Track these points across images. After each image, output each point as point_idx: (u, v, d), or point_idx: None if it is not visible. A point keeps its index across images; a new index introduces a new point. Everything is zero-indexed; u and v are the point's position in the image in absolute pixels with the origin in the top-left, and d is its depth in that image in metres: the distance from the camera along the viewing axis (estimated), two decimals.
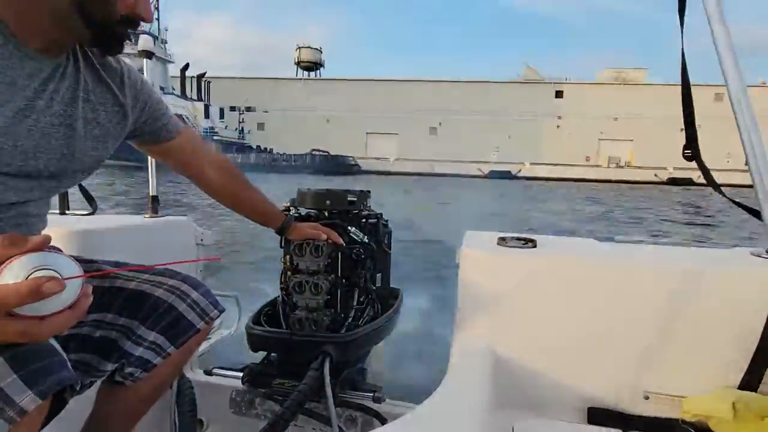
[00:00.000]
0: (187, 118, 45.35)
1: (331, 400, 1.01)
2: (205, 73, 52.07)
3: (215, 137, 46.95)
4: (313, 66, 69.84)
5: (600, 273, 0.91)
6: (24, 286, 0.38)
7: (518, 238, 1.02)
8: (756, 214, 0.87)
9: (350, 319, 1.20)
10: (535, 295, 0.93)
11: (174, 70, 51.16)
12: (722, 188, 0.98)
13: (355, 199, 1.27)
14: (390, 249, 1.35)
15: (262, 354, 1.24)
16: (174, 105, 45.32)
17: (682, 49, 1.05)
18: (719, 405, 0.73)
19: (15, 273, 0.38)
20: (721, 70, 0.92)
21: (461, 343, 0.94)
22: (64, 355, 0.53)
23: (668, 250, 1.02)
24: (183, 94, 48.87)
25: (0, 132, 0.61)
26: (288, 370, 1.17)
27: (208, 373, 1.34)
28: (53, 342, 0.53)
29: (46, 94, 0.66)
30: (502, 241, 1.02)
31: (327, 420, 1.05)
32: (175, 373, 0.99)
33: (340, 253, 1.20)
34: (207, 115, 48.09)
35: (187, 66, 50.61)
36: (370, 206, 1.33)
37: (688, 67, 0.99)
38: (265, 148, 50.95)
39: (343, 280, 1.22)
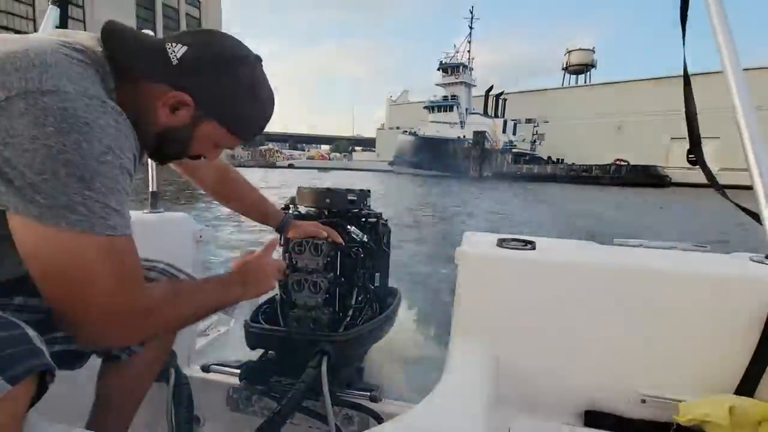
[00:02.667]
0: (488, 134, 47.48)
1: (328, 399, 1.01)
2: (502, 92, 54.96)
3: (514, 150, 48.06)
4: (583, 68, 68.56)
5: (598, 276, 0.91)
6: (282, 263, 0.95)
7: (517, 240, 1.02)
8: (757, 218, 0.88)
9: (348, 318, 1.20)
10: (533, 297, 0.93)
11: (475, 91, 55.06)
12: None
13: (355, 198, 1.27)
14: (389, 249, 1.35)
15: (259, 351, 1.24)
16: (479, 123, 48.38)
17: (684, 55, 1.05)
18: (715, 410, 0.73)
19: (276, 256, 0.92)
20: (726, 80, 0.92)
21: (459, 344, 0.94)
22: (39, 343, 0.54)
23: (667, 253, 1.02)
24: (485, 113, 51.36)
25: None
26: (285, 368, 1.17)
27: (206, 369, 1.34)
28: (28, 330, 0.54)
29: None
30: (501, 242, 1.02)
31: (324, 418, 1.05)
32: (169, 348, 1.03)
33: (339, 252, 1.20)
34: (504, 130, 49.47)
35: (491, 88, 54.11)
36: (369, 206, 1.32)
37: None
38: (557, 159, 50.04)
39: (342, 279, 1.22)
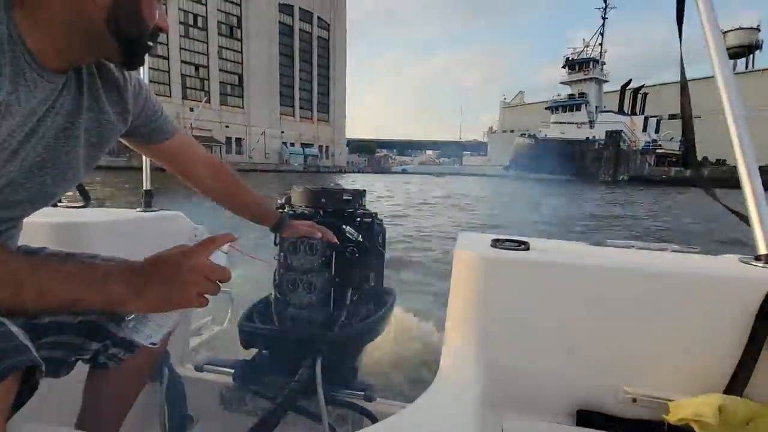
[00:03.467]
0: (624, 133, 42.69)
1: (322, 398, 1.01)
2: (642, 86, 49.79)
3: (658, 150, 42.62)
4: (744, 51, 58.34)
5: (591, 276, 0.92)
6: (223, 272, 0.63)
7: (511, 240, 1.03)
8: (746, 219, 0.89)
9: (343, 318, 1.20)
10: (526, 297, 0.94)
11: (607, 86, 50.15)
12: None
13: (350, 198, 1.27)
14: (384, 248, 1.35)
15: (253, 351, 1.24)
16: (613, 122, 43.21)
17: (681, 57, 1.06)
18: (705, 409, 0.74)
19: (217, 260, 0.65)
20: (716, 86, 0.93)
21: (452, 343, 0.95)
22: (24, 339, 0.53)
23: (658, 255, 1.04)
24: (620, 110, 46.81)
25: (10, 156, 0.60)
26: (279, 367, 1.16)
27: (199, 369, 1.34)
28: (12, 327, 0.53)
29: (53, 111, 0.66)
30: (495, 242, 1.02)
31: (317, 418, 1.05)
32: (155, 353, 0.99)
33: (334, 252, 1.20)
34: (645, 128, 44.89)
35: (628, 82, 49.38)
36: (365, 206, 1.33)
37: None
38: (717, 161, 41.53)
39: (337, 279, 1.22)
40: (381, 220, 1.34)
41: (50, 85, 0.63)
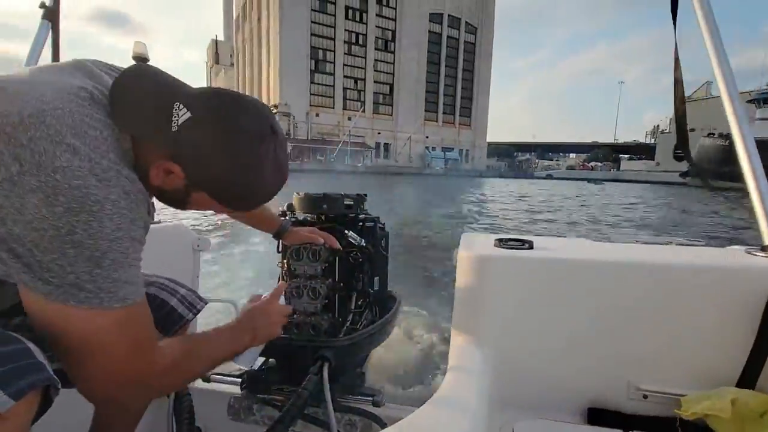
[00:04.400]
0: None
1: (330, 405, 1.00)
2: None
3: None
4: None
5: (597, 272, 0.91)
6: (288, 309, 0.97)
7: (515, 240, 1.02)
8: (750, 212, 0.89)
9: (348, 324, 1.20)
10: (533, 296, 0.94)
11: None
12: None
13: (352, 203, 1.27)
14: (387, 253, 1.35)
15: (260, 360, 1.23)
16: None
17: (676, 50, 1.06)
18: (717, 403, 0.74)
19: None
20: (713, 76, 0.93)
21: (460, 345, 0.94)
22: (41, 357, 0.54)
23: (664, 249, 1.03)
24: None
25: None
26: (286, 375, 1.16)
27: (206, 379, 1.33)
28: (29, 344, 0.54)
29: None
30: (499, 242, 1.02)
31: (326, 425, 1.05)
32: None
33: (337, 258, 1.20)
34: None
35: None
36: (366, 210, 1.32)
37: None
38: None
39: (341, 285, 1.21)
40: (383, 224, 1.33)
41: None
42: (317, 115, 64.10)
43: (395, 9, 70.67)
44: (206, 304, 1.06)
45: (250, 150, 0.63)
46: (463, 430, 0.61)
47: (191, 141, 0.61)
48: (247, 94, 0.69)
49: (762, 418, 0.72)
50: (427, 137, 76.00)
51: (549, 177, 72.42)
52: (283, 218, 1.25)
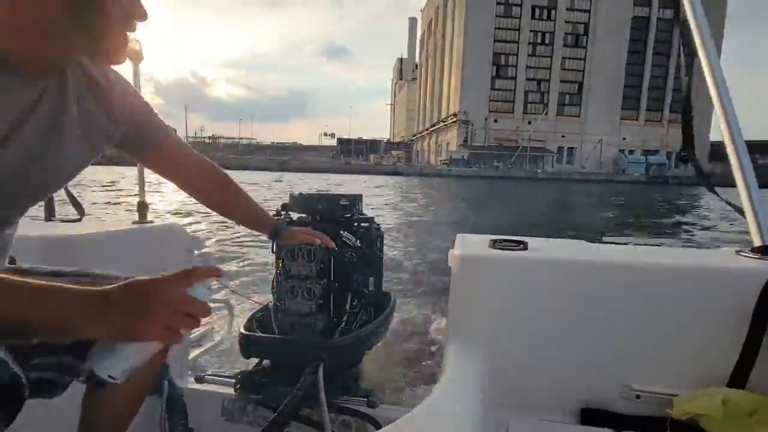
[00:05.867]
0: None
1: (324, 406, 1.00)
2: None
3: None
4: None
5: (590, 273, 0.92)
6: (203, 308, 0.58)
7: (509, 240, 1.03)
8: (742, 212, 0.90)
9: (343, 324, 1.20)
10: (527, 297, 0.94)
11: None
12: None
13: (348, 203, 1.27)
14: (382, 253, 1.35)
15: (254, 360, 1.23)
16: None
17: (680, 48, 1.05)
18: (709, 403, 0.74)
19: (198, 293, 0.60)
20: (709, 89, 0.94)
21: (455, 345, 0.94)
22: (2, 355, 0.52)
23: (656, 250, 1.04)
24: None
25: None
26: (281, 376, 1.15)
27: (200, 380, 1.32)
28: None
29: (34, 115, 0.65)
30: (493, 243, 1.02)
31: (321, 426, 1.05)
32: (155, 370, 0.97)
33: (332, 258, 1.20)
34: None
35: None
36: (362, 210, 1.32)
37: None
38: None
39: (336, 285, 1.21)
40: (378, 225, 1.34)
41: (28, 89, 0.62)
42: (495, 120, 61.56)
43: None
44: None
45: None
46: (458, 431, 0.62)
47: None
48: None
49: (752, 418, 0.73)
50: (624, 139, 66.84)
51: None
52: (277, 218, 1.24)
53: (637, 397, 0.88)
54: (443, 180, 42.74)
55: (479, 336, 0.95)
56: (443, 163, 62.37)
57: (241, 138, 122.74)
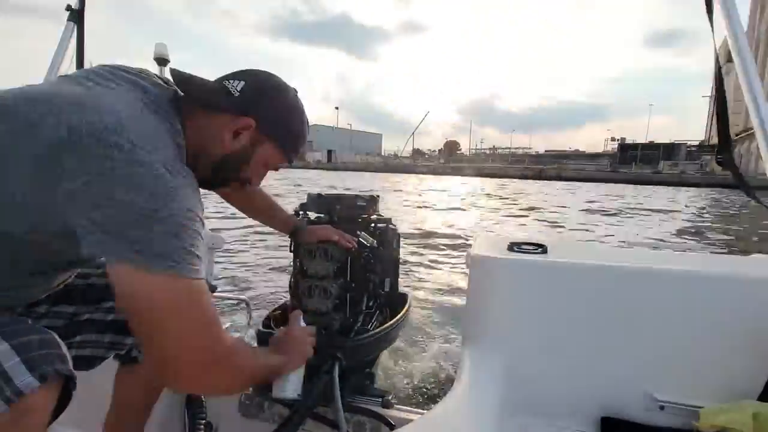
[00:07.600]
0: None
1: (339, 405, 1.01)
2: None
3: None
4: None
5: (613, 278, 0.89)
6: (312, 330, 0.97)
7: (529, 244, 1.01)
8: None
9: (359, 324, 1.20)
10: (546, 301, 0.92)
11: None
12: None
13: (365, 203, 1.27)
14: (399, 254, 1.34)
15: None
16: None
17: (715, 50, 1.02)
18: (738, 416, 0.71)
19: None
20: (740, 78, 0.90)
21: (471, 348, 0.93)
22: (64, 349, 0.60)
23: (683, 255, 1.00)
24: None
25: None
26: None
27: None
28: (56, 337, 0.60)
29: None
30: (512, 246, 1.00)
31: (335, 425, 1.05)
32: None
33: (349, 258, 1.20)
34: None
35: None
36: (378, 211, 1.32)
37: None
38: None
39: (353, 285, 1.22)
40: (395, 226, 1.33)
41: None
42: None
43: None
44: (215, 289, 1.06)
45: (294, 98, 0.81)
46: None
47: (254, 97, 0.75)
48: None
49: None
50: None
51: None
52: (297, 217, 1.25)
53: (661, 407, 0.85)
54: None
55: (496, 340, 0.93)
56: None
57: (517, 148, 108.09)
